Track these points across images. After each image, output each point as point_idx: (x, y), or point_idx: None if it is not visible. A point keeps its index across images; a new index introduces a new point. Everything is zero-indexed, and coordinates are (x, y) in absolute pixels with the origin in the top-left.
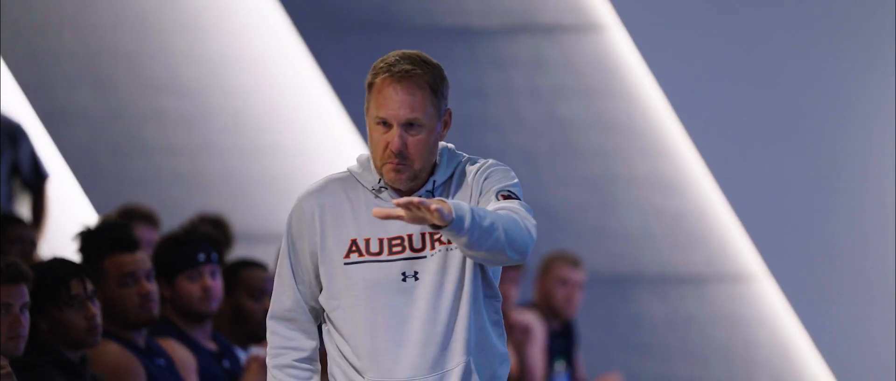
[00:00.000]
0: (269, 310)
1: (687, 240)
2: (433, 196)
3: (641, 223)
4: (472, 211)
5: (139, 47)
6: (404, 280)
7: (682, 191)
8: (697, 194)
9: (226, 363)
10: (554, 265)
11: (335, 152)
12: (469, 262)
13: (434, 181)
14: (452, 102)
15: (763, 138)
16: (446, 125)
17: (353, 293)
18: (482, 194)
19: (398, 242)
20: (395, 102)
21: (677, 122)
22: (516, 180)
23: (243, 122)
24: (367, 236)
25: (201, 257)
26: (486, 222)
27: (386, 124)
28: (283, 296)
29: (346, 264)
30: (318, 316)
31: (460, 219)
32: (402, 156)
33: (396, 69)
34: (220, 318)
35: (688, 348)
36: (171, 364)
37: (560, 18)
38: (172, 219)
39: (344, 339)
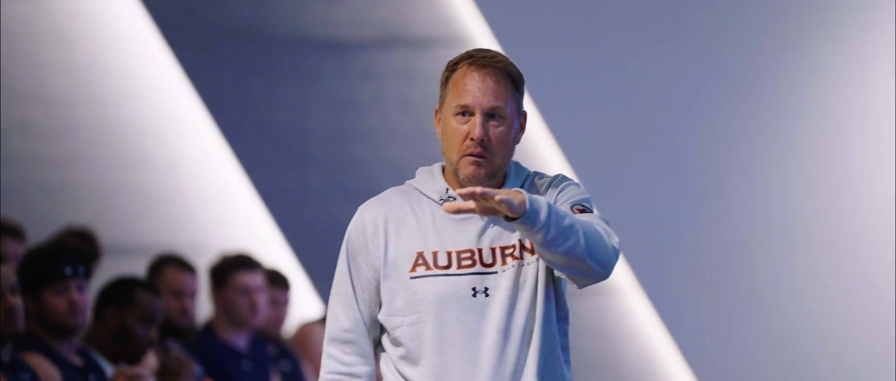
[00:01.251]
0: (326, 333)
1: None
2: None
3: None
4: (550, 207)
5: (4, 56)
6: (474, 296)
7: None
8: None
9: (91, 379)
10: None
11: (206, 163)
12: (543, 279)
13: None
14: (323, 113)
15: (633, 149)
16: (522, 128)
17: (418, 309)
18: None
19: (468, 255)
20: (479, 88)
21: (547, 133)
22: (589, 196)
23: (111, 132)
24: (434, 249)
25: (68, 270)
26: (566, 222)
27: (466, 114)
28: (342, 315)
29: (412, 277)
30: (376, 339)
31: (534, 211)
32: (483, 146)
33: (479, 56)
34: (101, 330)
35: None
36: (35, 379)
37: (431, 31)
38: (39, 232)
39: (407, 359)
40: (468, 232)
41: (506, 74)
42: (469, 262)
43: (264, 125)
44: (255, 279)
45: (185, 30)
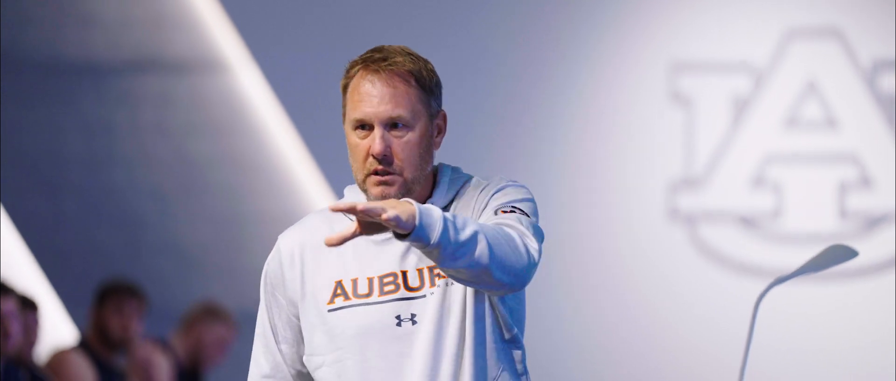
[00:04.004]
0: (248, 378)
1: None
2: None
3: None
4: (446, 219)
5: None
6: (399, 325)
7: None
8: None
9: None
10: (198, 324)
11: None
12: (471, 300)
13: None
14: (78, 138)
15: None
16: (440, 131)
17: (339, 345)
18: (483, 212)
19: (390, 279)
20: (374, 97)
21: (309, 159)
22: (529, 198)
23: None
24: (353, 276)
25: None
26: (465, 233)
27: (365, 127)
28: (262, 358)
29: (329, 310)
30: None
31: (426, 227)
32: (386, 161)
33: (373, 58)
34: None
35: None
36: None
37: (188, 55)
38: None
39: None
40: (390, 253)
41: (406, 75)
42: (391, 287)
43: (17, 150)
44: (8, 306)
45: None
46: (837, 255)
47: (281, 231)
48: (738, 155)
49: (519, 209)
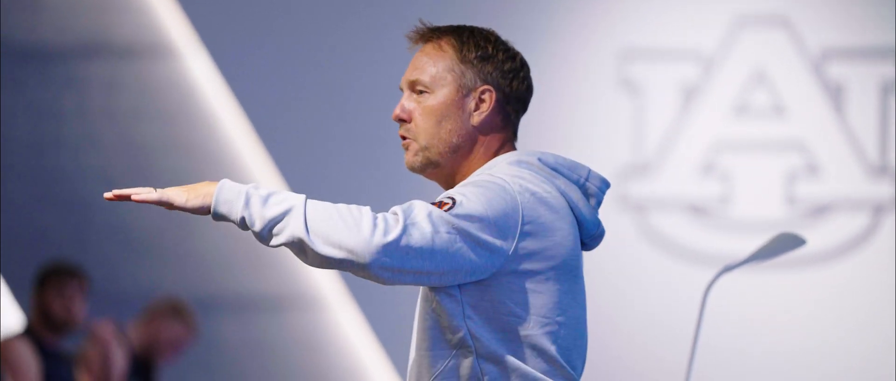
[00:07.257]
0: None
1: (266, 263)
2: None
3: (220, 247)
4: (249, 194)
5: None
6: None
7: None
8: None
9: None
10: (159, 320)
11: None
12: (423, 290)
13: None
14: (25, 122)
15: (342, 159)
16: (479, 106)
17: None
18: None
19: None
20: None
21: (258, 144)
22: (484, 196)
23: None
24: None
25: None
26: (276, 208)
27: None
28: None
29: None
30: None
31: (223, 202)
32: (405, 126)
33: (410, 33)
34: None
35: (266, 372)
36: None
37: (135, 39)
38: None
39: None
40: None
41: (442, 42)
42: None
43: None
44: None
45: None
46: (785, 243)
47: None
48: (687, 142)
49: (450, 199)
